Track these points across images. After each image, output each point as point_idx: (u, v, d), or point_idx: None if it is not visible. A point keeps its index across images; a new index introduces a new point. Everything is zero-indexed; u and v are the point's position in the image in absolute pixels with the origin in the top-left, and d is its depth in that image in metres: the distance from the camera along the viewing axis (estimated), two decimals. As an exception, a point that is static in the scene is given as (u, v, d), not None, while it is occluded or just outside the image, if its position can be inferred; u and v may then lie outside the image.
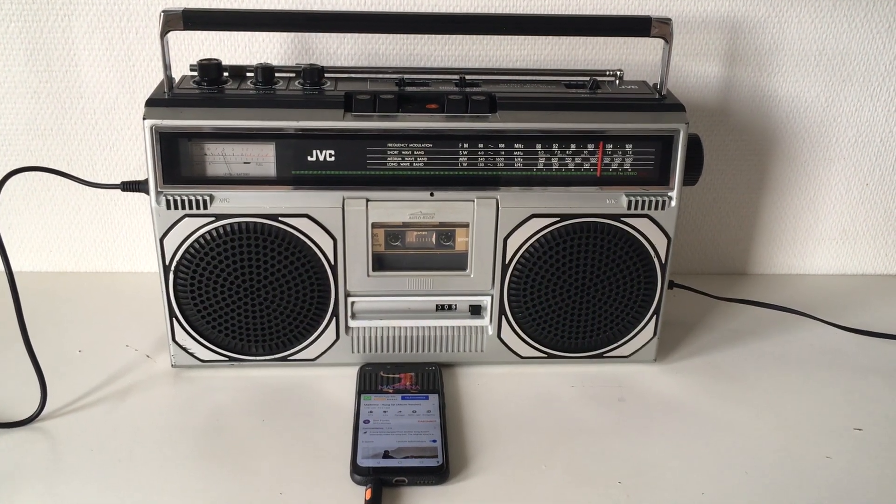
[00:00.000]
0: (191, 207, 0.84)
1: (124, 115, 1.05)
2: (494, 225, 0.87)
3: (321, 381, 0.92)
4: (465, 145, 0.85)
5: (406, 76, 0.91)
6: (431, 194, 0.86)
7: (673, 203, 0.88)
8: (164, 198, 0.84)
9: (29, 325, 0.85)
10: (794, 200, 1.13)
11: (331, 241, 0.87)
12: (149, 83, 1.02)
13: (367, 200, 0.86)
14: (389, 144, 0.84)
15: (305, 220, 0.86)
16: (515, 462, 0.81)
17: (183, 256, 0.86)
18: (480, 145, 0.85)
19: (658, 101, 0.88)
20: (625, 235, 0.88)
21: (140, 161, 1.05)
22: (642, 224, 0.88)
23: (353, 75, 0.92)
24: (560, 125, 0.84)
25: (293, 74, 0.90)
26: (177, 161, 0.83)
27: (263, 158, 0.84)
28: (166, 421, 0.85)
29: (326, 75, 0.90)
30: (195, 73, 0.87)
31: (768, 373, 0.95)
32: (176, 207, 0.84)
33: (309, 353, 0.92)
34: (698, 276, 1.13)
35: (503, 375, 0.94)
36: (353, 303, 0.91)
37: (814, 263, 1.17)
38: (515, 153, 0.85)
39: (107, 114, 1.05)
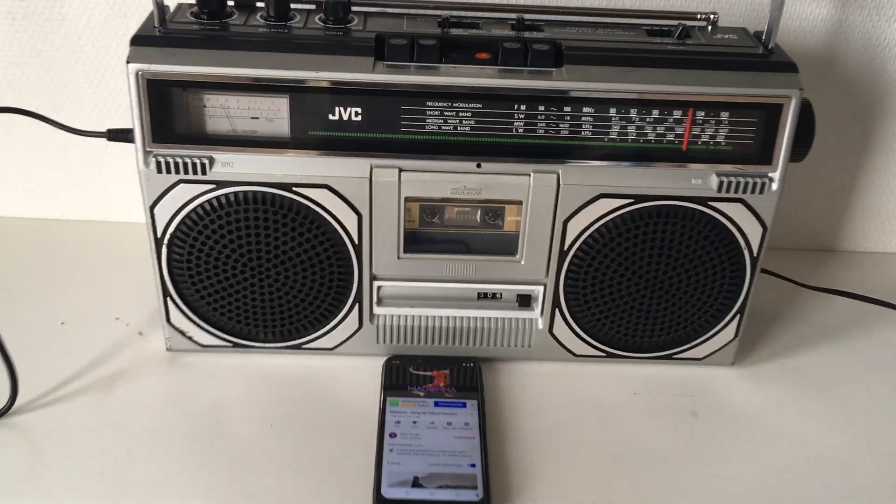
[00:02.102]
0: (186, 172, 0.70)
1: (114, 43, 0.89)
2: (553, 205, 0.72)
3: (340, 374, 0.78)
4: (523, 107, 0.68)
5: (451, 14, 0.74)
6: (478, 165, 0.71)
7: (775, 186, 0.71)
8: (153, 159, 0.69)
9: (4, 286, 0.70)
10: (898, 170, 0.96)
11: (355, 217, 0.72)
12: (142, 5, 0.86)
13: (400, 170, 0.70)
14: (429, 103, 0.68)
15: (325, 191, 0.71)
16: (570, 496, 0.68)
17: (178, 229, 0.72)
18: (541, 108, 0.69)
19: (763, 57, 0.70)
20: (711, 222, 0.72)
21: (136, 98, 0.90)
22: (734, 210, 0.72)
23: (386, 9, 0.75)
24: (641, 86, 0.68)
25: (313, 6, 0.74)
26: (169, 115, 0.68)
27: (275, 114, 0.69)
28: (159, 421, 0.73)
29: (354, 9, 0.73)
30: (193, 3, 0.71)
31: (866, 383, 0.81)
32: (168, 171, 0.70)
33: (326, 341, 0.78)
34: (779, 253, 0.96)
35: (553, 375, 0.80)
36: (379, 287, 0.76)
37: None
38: (584, 119, 0.69)
39: (94, 41, 0.89)
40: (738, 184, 0.71)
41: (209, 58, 0.67)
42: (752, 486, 0.69)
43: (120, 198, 0.98)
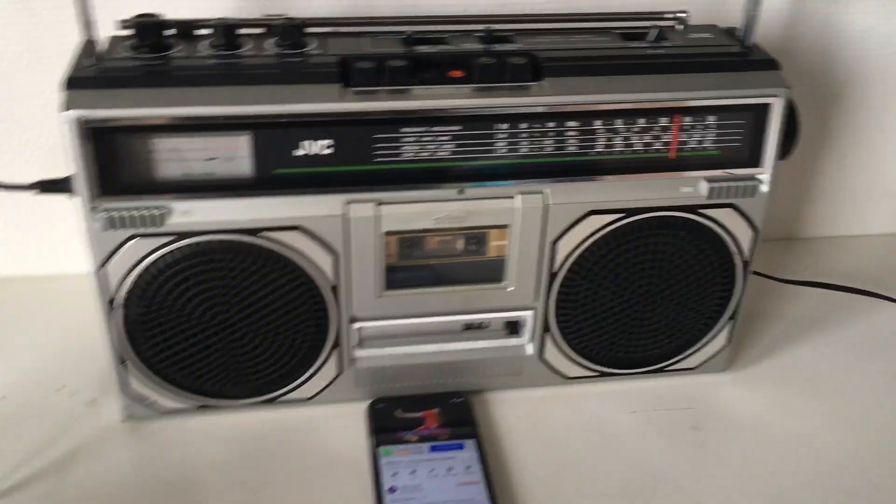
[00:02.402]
0: (139, 225, 0.62)
1: (30, 82, 0.80)
2: (542, 226, 0.67)
3: (320, 425, 0.72)
4: (504, 126, 0.64)
5: (413, 29, 0.69)
6: (461, 191, 0.66)
7: (764, 187, 0.69)
8: (101, 215, 0.62)
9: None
10: (856, 154, 0.95)
11: (330, 258, 0.66)
12: (60, 38, 0.77)
13: (378, 203, 0.65)
14: (404, 129, 0.63)
15: (296, 233, 0.64)
16: (589, 534, 0.64)
17: (134, 288, 0.64)
18: (524, 125, 0.64)
19: (743, 56, 0.68)
20: (702, 230, 0.70)
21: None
22: (725, 215, 0.69)
23: (342, 29, 0.69)
24: (627, 96, 0.64)
25: (263, 29, 0.67)
26: (116, 164, 0.61)
27: (234, 153, 0.62)
28: (122, 499, 0.65)
29: (307, 30, 0.67)
30: (129, 34, 0.64)
31: (857, 374, 0.79)
32: (119, 226, 0.62)
33: (303, 391, 0.72)
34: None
35: (546, 401, 0.76)
36: (359, 329, 0.71)
37: (871, 223, 1.01)
38: (568, 134, 0.65)
39: (4, 78, 0.80)
40: (728, 188, 0.68)
41: (157, 97, 0.60)
42: (767, 496, 0.67)
43: (42, 249, 0.89)
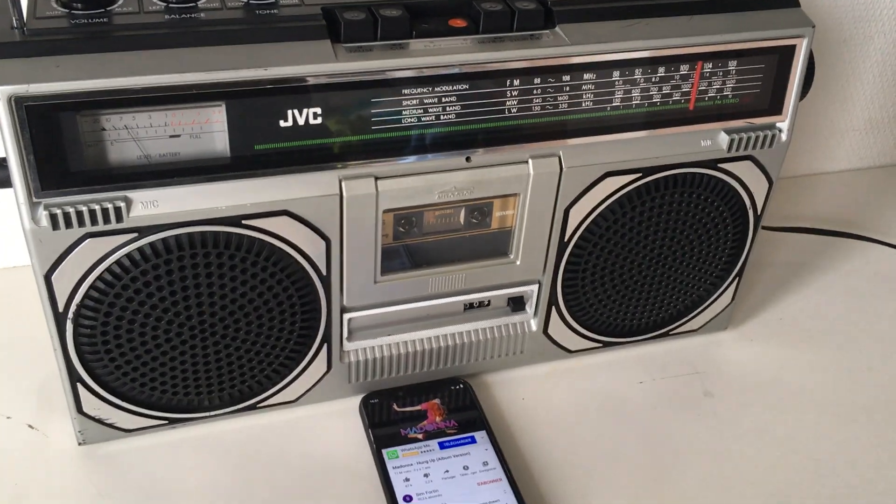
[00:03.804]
0: (94, 222, 0.51)
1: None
2: (555, 192, 0.60)
3: (310, 428, 0.64)
4: (516, 83, 0.56)
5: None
6: (468, 159, 0.58)
7: (784, 136, 0.64)
8: (45, 212, 0.50)
9: None
10: (822, 92, 0.92)
11: (322, 244, 0.57)
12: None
13: (376, 178, 0.56)
14: (405, 91, 0.54)
15: (284, 218, 0.55)
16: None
17: (89, 296, 0.53)
18: (537, 81, 0.56)
19: (760, -7, 0.62)
20: (719, 185, 0.64)
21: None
22: (742, 168, 0.64)
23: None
24: (649, 42, 0.57)
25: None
26: (59, 150, 0.49)
27: (202, 127, 0.52)
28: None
29: (274, -24, 0.56)
30: (55, -12, 0.52)
31: (851, 319, 0.77)
32: (69, 225, 0.51)
33: (288, 394, 0.63)
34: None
35: (550, 378, 0.70)
36: (349, 320, 0.62)
37: (834, 160, 0.98)
38: (584, 88, 0.58)
39: None
40: (748, 139, 0.63)
41: (104, 65, 0.48)
42: (789, 462, 0.64)
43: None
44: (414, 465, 0.61)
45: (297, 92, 0.51)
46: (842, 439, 0.66)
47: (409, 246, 0.61)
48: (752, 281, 0.80)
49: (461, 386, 0.67)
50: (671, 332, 0.72)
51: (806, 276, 0.82)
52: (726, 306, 0.73)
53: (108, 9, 0.52)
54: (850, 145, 0.98)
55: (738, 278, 0.71)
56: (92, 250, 0.52)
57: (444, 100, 0.55)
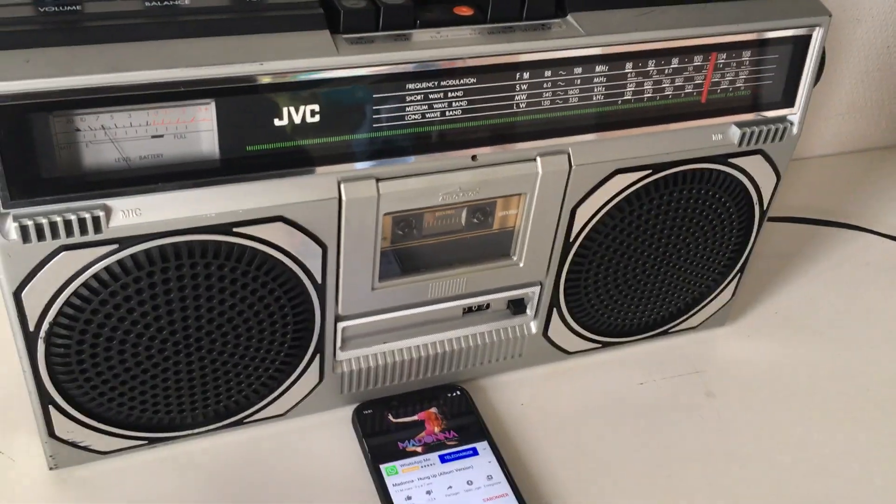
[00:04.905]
0: (70, 233, 0.46)
1: None
2: (563, 191, 0.57)
3: (301, 441, 0.60)
4: (526, 76, 0.52)
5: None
6: (474, 158, 0.54)
7: (795, 129, 0.61)
8: (14, 224, 0.45)
9: None
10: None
11: (318, 251, 0.52)
12: None
13: (377, 180, 0.52)
14: (410, 86, 0.50)
15: (278, 224, 0.50)
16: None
17: (61, 316, 0.48)
18: (548, 73, 0.53)
19: (774, -21, 0.59)
20: (728, 180, 0.62)
21: None
22: (752, 163, 0.62)
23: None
24: (662, 33, 0.54)
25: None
26: (29, 155, 0.44)
27: (188, 126, 0.47)
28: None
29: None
30: (18, -29, 0.46)
31: (848, 311, 0.76)
32: (41, 237, 0.46)
33: (276, 407, 0.59)
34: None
35: (548, 380, 0.67)
36: (343, 328, 0.58)
37: (814, 144, 0.97)
38: (595, 81, 0.54)
39: None
40: (759, 133, 0.60)
41: (79, 59, 0.43)
42: (797, 460, 0.62)
43: None
44: (415, 481, 0.57)
45: (294, 88, 0.47)
46: (841, 436, 0.65)
47: (409, 249, 0.57)
48: (746, 273, 0.78)
49: (458, 393, 0.64)
50: (669, 331, 0.70)
51: (798, 266, 0.81)
52: (726, 303, 0.70)
53: (80, -5, 0.46)
54: (833, 129, 0.96)
55: (739, 274, 0.69)
56: (67, 264, 0.47)
57: (450, 94, 0.51)
